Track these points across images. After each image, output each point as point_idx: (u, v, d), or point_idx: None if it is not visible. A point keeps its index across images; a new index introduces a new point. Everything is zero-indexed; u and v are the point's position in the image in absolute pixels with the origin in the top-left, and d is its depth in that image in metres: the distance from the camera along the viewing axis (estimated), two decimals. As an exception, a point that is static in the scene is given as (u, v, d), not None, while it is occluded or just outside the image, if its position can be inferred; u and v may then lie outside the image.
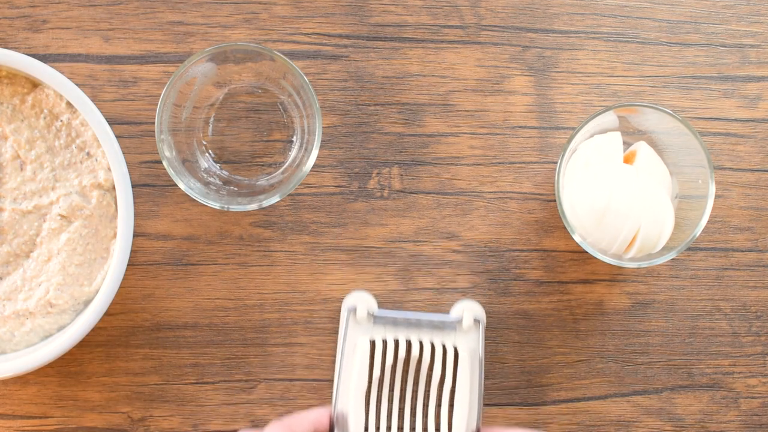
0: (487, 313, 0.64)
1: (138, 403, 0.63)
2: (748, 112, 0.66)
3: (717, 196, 0.65)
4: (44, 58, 0.62)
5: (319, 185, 0.64)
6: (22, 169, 0.60)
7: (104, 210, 0.60)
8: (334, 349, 0.63)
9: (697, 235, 0.59)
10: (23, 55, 0.58)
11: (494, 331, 0.64)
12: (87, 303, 0.60)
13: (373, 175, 0.64)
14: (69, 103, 0.59)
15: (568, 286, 0.65)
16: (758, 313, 0.65)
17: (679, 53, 0.65)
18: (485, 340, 0.64)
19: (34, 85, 0.60)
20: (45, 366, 0.62)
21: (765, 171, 0.66)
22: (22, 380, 0.62)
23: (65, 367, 0.62)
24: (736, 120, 0.65)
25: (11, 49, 0.62)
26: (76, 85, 0.58)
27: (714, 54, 0.65)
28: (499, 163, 0.64)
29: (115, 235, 0.60)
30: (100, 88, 0.63)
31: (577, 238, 0.59)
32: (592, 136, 0.62)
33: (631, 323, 0.65)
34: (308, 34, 0.64)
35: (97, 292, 0.60)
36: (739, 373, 0.65)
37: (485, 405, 0.64)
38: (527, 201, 0.64)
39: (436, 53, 0.64)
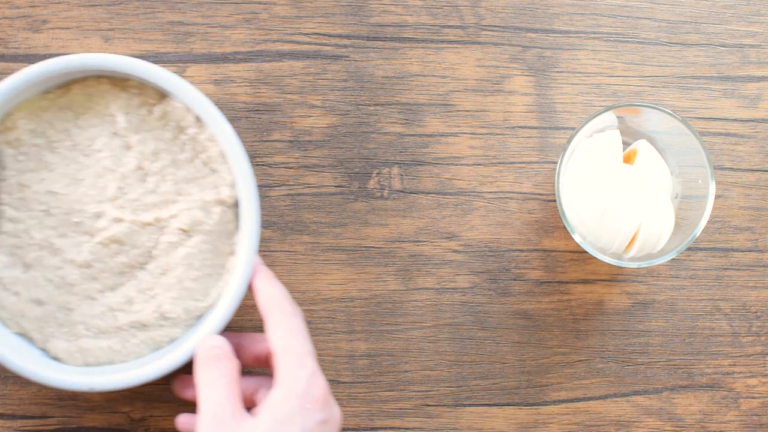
0: (487, 313, 0.64)
1: (138, 403, 0.63)
2: (748, 112, 0.66)
3: (717, 196, 0.65)
4: (44, 58, 0.63)
5: (319, 185, 0.64)
6: (144, 181, 0.59)
7: (224, 226, 0.59)
8: (334, 348, 0.63)
9: (697, 235, 0.59)
10: (154, 65, 0.57)
11: (494, 331, 0.64)
12: (199, 317, 0.59)
13: (373, 175, 0.64)
14: (197, 117, 0.58)
15: (568, 286, 0.65)
16: (758, 313, 0.65)
17: (679, 53, 0.65)
18: None
19: (162, 96, 0.59)
20: (45, 366, 0.62)
21: (765, 171, 0.66)
22: (22, 380, 0.62)
23: (65, 367, 0.62)
24: (736, 120, 0.65)
25: (11, 49, 0.63)
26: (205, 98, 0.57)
27: (714, 54, 0.65)
28: (499, 163, 0.64)
29: (232, 252, 0.59)
30: (100, 88, 0.63)
31: (577, 237, 0.59)
32: (591, 135, 0.62)
33: (631, 323, 0.65)
34: (308, 34, 0.64)
35: (210, 307, 0.59)
36: (739, 373, 0.65)
37: (485, 405, 0.64)
38: (527, 201, 0.64)
39: (436, 53, 0.64)
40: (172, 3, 0.63)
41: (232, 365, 0.53)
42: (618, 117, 0.61)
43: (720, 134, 0.65)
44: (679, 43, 0.65)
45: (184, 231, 0.58)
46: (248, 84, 0.63)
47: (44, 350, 0.58)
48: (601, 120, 0.60)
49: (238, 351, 0.57)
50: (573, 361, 0.65)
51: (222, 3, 0.63)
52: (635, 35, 0.65)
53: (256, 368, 0.59)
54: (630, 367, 0.65)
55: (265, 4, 0.64)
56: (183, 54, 0.63)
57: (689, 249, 0.65)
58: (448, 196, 0.64)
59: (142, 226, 0.58)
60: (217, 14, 0.63)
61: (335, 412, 0.53)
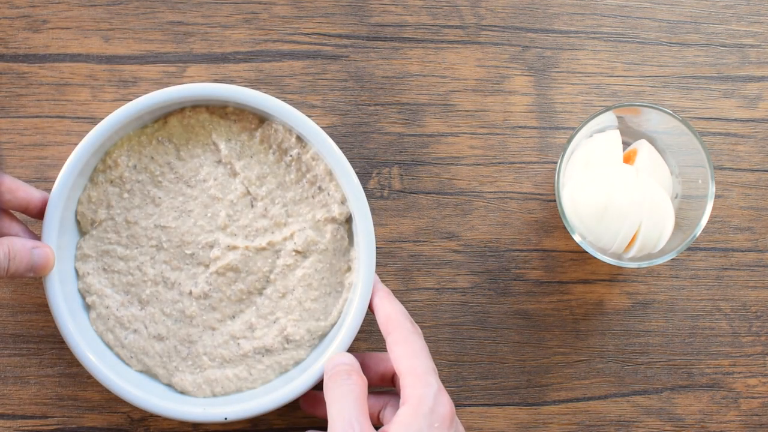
0: (487, 313, 0.64)
1: (138, 403, 0.63)
2: (748, 112, 0.66)
3: (717, 196, 0.65)
4: (44, 58, 0.63)
5: (319, 185, 0.64)
6: (252, 206, 0.59)
7: (338, 244, 0.59)
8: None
9: (697, 235, 0.59)
10: (252, 90, 0.57)
11: (494, 331, 0.64)
12: (322, 337, 0.59)
13: (373, 175, 0.64)
14: (298, 138, 0.59)
15: (568, 286, 0.65)
16: (758, 313, 0.65)
17: (679, 53, 0.65)
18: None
19: (261, 120, 0.59)
20: (45, 366, 0.62)
21: (765, 171, 0.66)
22: (22, 380, 0.62)
23: (65, 368, 0.62)
24: (736, 120, 0.65)
25: (11, 49, 0.63)
26: (308, 119, 0.57)
27: (714, 54, 0.65)
28: (499, 163, 0.64)
29: (348, 269, 0.59)
30: (100, 88, 0.63)
31: (577, 237, 0.59)
32: (591, 135, 0.62)
33: (631, 323, 0.65)
34: (308, 34, 0.64)
35: (332, 325, 0.59)
36: (739, 373, 0.65)
37: (485, 405, 0.64)
38: (527, 201, 0.64)
39: (436, 53, 0.64)
40: (172, 3, 0.63)
41: (361, 382, 0.53)
42: (618, 117, 0.61)
43: (720, 134, 0.65)
44: (679, 43, 0.65)
45: (298, 252, 0.59)
46: (248, 84, 0.63)
47: (170, 385, 0.59)
48: (601, 120, 0.60)
49: (363, 371, 0.57)
50: (573, 361, 0.64)
51: (222, 3, 0.63)
52: (635, 35, 0.65)
53: (382, 387, 0.59)
54: (630, 367, 0.65)
55: (265, 4, 0.64)
56: (183, 54, 0.63)
57: (689, 249, 0.65)
58: (448, 196, 0.64)
59: (256, 251, 0.58)
60: (217, 14, 0.63)
61: (461, 429, 0.53)
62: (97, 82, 0.63)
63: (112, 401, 0.63)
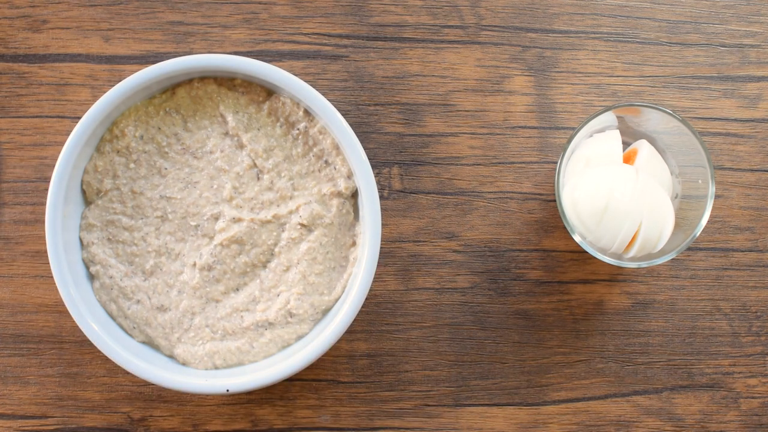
0: (487, 313, 0.64)
1: (138, 403, 0.63)
2: (748, 112, 0.66)
3: (717, 196, 0.65)
4: (44, 58, 0.63)
5: (319, 185, 0.64)
6: (258, 179, 0.59)
7: (343, 218, 0.59)
8: (334, 348, 0.63)
9: (697, 235, 0.59)
10: (261, 62, 0.57)
11: (494, 331, 0.64)
12: (325, 312, 0.59)
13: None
14: (306, 111, 0.59)
15: (568, 286, 0.65)
16: (758, 313, 0.65)
17: (679, 53, 0.65)
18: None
19: (269, 93, 0.59)
20: (45, 366, 0.62)
21: (765, 171, 0.66)
22: (22, 380, 0.62)
23: (65, 368, 0.62)
24: (736, 120, 0.65)
25: (11, 49, 0.63)
26: (314, 88, 0.57)
27: (714, 54, 0.65)
28: (499, 163, 0.64)
29: (353, 244, 0.59)
30: (100, 88, 0.63)
31: (577, 237, 0.59)
32: (591, 135, 0.62)
33: (631, 323, 0.65)
34: (308, 34, 0.64)
35: (336, 300, 0.59)
36: (739, 373, 0.65)
37: (485, 405, 0.64)
38: (527, 201, 0.64)
39: (436, 53, 0.64)
40: (172, 3, 0.63)
41: None
42: (618, 117, 0.61)
43: (720, 134, 0.65)
44: (679, 43, 0.65)
45: (304, 226, 0.59)
46: (248, 84, 0.63)
47: (171, 357, 0.59)
48: (601, 120, 0.60)
49: None
50: (573, 361, 0.64)
51: (222, 3, 0.63)
52: (635, 35, 0.65)
53: None
54: (630, 367, 0.65)
55: (265, 4, 0.64)
56: (183, 54, 0.63)
57: (689, 249, 0.65)
58: (448, 196, 0.64)
59: (261, 224, 0.58)
60: (217, 14, 0.63)
61: None
62: (97, 82, 0.63)
63: (112, 401, 0.63)
